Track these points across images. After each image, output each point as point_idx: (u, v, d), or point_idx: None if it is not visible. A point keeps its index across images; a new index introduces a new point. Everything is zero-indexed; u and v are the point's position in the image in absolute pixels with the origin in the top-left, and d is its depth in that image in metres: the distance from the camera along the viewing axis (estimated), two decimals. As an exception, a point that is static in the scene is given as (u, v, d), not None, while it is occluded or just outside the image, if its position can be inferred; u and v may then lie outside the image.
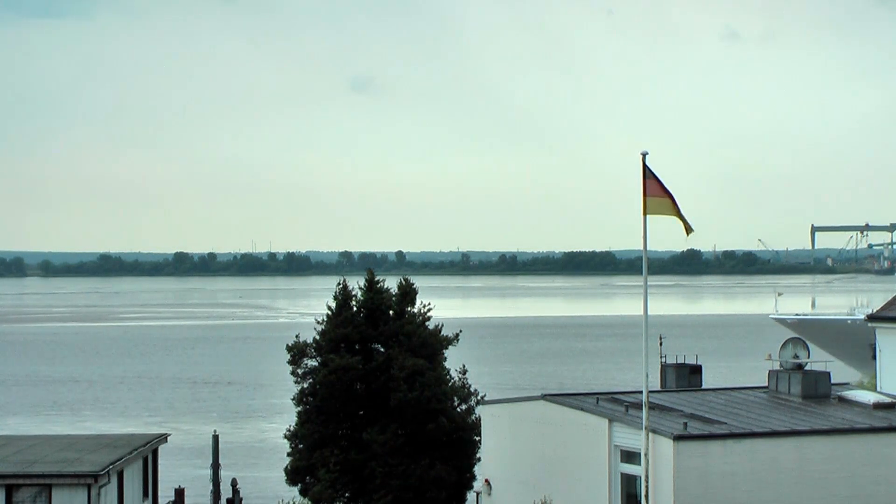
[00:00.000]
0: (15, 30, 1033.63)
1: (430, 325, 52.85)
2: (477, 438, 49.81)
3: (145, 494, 49.64)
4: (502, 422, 46.35)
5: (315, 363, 51.65)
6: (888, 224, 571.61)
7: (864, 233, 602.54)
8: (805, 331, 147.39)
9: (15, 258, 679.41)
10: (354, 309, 52.50)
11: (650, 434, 37.50)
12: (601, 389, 67.66)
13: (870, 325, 59.10)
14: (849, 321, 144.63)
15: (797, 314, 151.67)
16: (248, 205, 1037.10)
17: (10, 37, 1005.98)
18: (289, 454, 51.67)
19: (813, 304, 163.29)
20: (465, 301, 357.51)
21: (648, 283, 39.02)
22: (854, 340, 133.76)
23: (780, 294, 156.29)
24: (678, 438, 37.36)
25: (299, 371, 51.97)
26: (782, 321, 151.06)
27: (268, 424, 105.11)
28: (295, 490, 52.34)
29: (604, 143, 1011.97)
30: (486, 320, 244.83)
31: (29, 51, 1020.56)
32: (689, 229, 38.37)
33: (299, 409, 51.92)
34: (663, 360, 51.97)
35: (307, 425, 50.95)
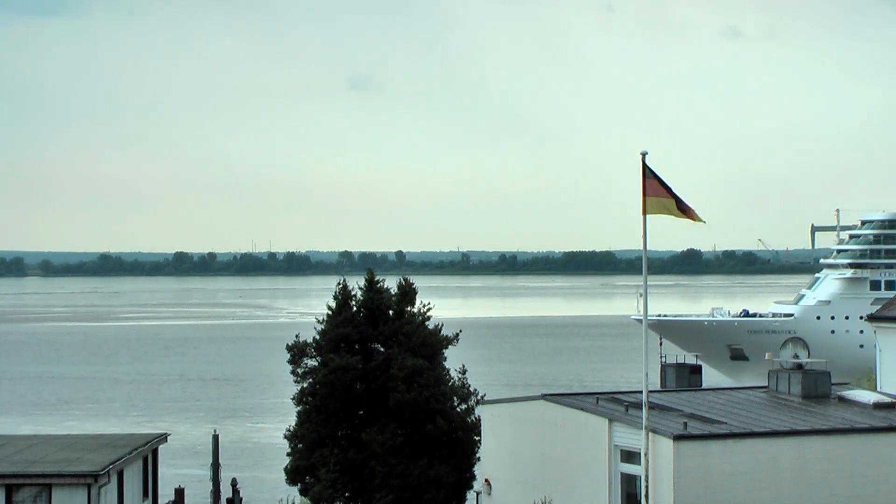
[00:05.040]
0: (11, 28, 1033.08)
1: (430, 324, 52.83)
2: (477, 438, 49.81)
3: (145, 494, 49.66)
4: (502, 422, 46.36)
5: (315, 363, 51.65)
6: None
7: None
8: (665, 331, 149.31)
9: (15, 258, 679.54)
10: (354, 309, 52.50)
11: (650, 434, 37.51)
12: (601, 389, 67.68)
13: (870, 325, 59.04)
14: (705, 323, 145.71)
15: (658, 315, 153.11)
16: (247, 205, 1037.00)
17: (5, 35, 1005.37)
18: (289, 454, 51.67)
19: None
20: (465, 301, 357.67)
21: (648, 283, 39.04)
22: (711, 341, 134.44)
23: (641, 294, 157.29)
24: (678, 438, 37.37)
25: (299, 371, 51.98)
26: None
27: (268, 424, 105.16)
28: (295, 490, 52.38)
29: (604, 142, 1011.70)
30: (486, 320, 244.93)
31: (25, 49, 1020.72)
32: (696, 218, 37.99)
33: (299, 408, 51.92)
34: (663, 360, 52.02)
35: (307, 425, 50.96)
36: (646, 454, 37.45)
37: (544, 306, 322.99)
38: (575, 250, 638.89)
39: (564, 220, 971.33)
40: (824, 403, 43.26)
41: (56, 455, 45.57)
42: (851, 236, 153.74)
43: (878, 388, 53.39)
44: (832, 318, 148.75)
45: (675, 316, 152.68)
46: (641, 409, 37.76)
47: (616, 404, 42.01)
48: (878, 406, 42.46)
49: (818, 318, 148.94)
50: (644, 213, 37.69)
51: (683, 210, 37.72)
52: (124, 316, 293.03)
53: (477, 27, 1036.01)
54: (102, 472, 42.76)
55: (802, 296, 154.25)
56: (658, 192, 37.52)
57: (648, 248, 38.30)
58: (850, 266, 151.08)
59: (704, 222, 38.38)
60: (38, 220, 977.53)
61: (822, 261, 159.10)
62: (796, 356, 45.49)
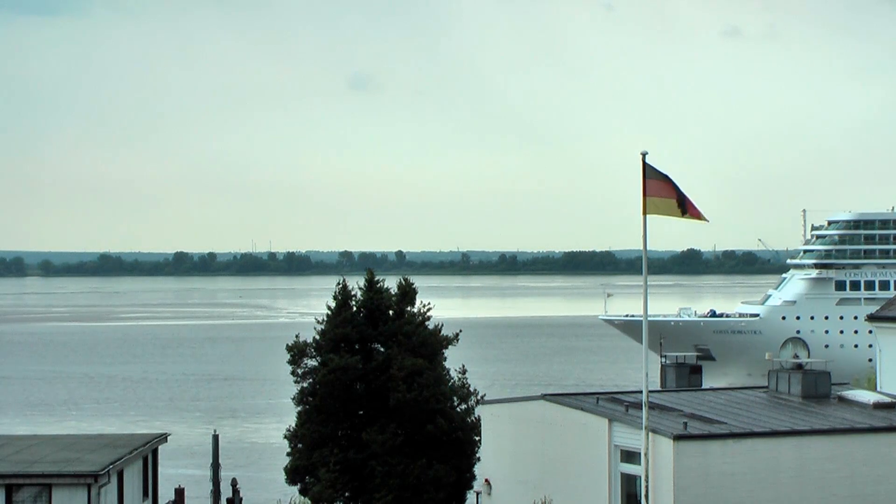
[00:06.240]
0: (11, 28, 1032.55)
1: (430, 324, 52.82)
2: (477, 438, 49.79)
3: (145, 494, 49.64)
4: (502, 422, 46.34)
5: (315, 363, 51.63)
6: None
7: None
8: (631, 331, 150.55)
9: (15, 258, 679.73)
10: (354, 309, 52.48)
11: (650, 434, 37.50)
12: (601, 389, 67.70)
13: (870, 324, 59.03)
14: (671, 323, 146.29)
15: (626, 315, 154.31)
16: (248, 205, 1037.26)
17: (6, 35, 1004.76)
18: (289, 454, 51.67)
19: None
20: (465, 301, 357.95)
21: (648, 283, 39.01)
22: (678, 341, 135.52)
23: (609, 295, 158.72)
24: (678, 438, 37.36)
25: (299, 371, 51.95)
26: (610, 321, 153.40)
27: (268, 424, 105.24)
28: (295, 490, 52.39)
29: (604, 142, 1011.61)
30: (486, 320, 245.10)
31: (25, 49, 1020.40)
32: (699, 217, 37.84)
33: (299, 408, 51.92)
34: (663, 360, 52.01)
35: (307, 425, 50.95)
36: (646, 454, 37.43)
37: (544, 306, 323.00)
38: (575, 250, 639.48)
39: (564, 220, 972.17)
40: (824, 403, 43.25)
41: (56, 455, 45.55)
42: (818, 237, 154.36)
43: (878, 388, 53.37)
44: (797, 318, 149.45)
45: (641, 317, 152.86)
46: (641, 409, 37.74)
47: (616, 404, 41.99)
48: (878, 406, 42.46)
49: (783, 318, 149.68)
50: (644, 213, 37.65)
51: (685, 209, 37.59)
52: (124, 316, 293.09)
53: (476, 27, 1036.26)
54: (102, 472, 42.74)
55: (769, 296, 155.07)
56: (659, 192, 37.46)
57: (648, 248, 38.26)
58: (816, 266, 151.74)
59: (707, 221, 38.24)
60: (38, 220, 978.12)
61: (788, 261, 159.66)
62: (796, 356, 45.48)
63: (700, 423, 39.18)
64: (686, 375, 49.40)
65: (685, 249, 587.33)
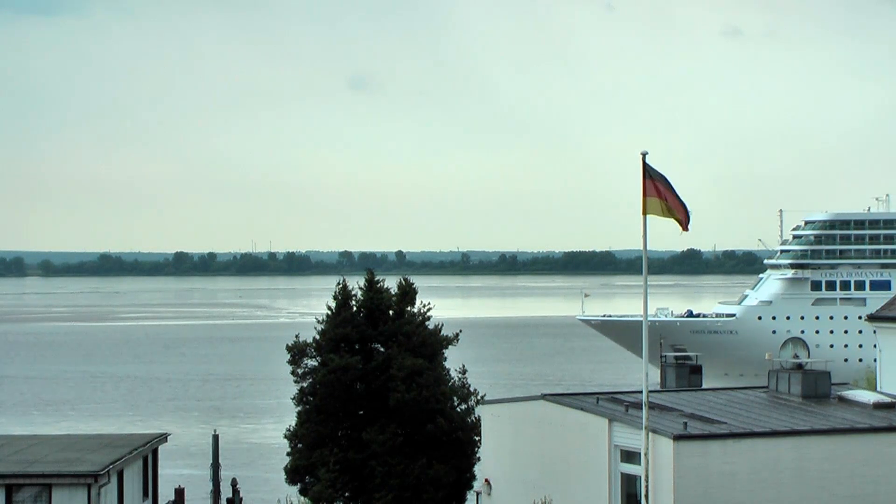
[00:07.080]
0: (11, 28, 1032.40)
1: (430, 324, 52.83)
2: (476, 438, 49.79)
3: (145, 494, 49.64)
4: (502, 422, 46.34)
5: (315, 363, 51.64)
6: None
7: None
8: (608, 331, 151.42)
9: (15, 258, 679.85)
10: (354, 309, 52.49)
11: (650, 434, 37.50)
12: (601, 389, 67.70)
13: (870, 324, 59.04)
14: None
15: (604, 315, 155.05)
16: (248, 205, 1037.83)
17: (5, 35, 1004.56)
18: (289, 454, 51.69)
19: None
20: (465, 301, 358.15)
21: (648, 283, 39.01)
22: (654, 341, 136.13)
23: (586, 295, 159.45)
24: (678, 438, 37.35)
25: (299, 371, 51.96)
26: (587, 322, 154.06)
27: (268, 424, 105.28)
28: (295, 490, 52.41)
29: (604, 142, 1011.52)
30: (486, 320, 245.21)
31: (25, 49, 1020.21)
32: (683, 225, 37.90)
33: (299, 408, 51.92)
34: (663, 359, 52.05)
35: (307, 425, 50.96)
36: (646, 454, 37.44)
37: (544, 306, 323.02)
38: (575, 250, 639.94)
39: (564, 220, 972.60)
40: (824, 403, 43.25)
41: (56, 455, 45.55)
42: (794, 237, 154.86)
43: (878, 388, 53.37)
44: (773, 318, 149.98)
45: (620, 316, 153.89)
46: (641, 409, 37.74)
47: (616, 404, 41.99)
48: (878, 406, 42.45)
49: (759, 318, 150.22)
50: (644, 213, 37.64)
51: (673, 211, 37.52)
52: (124, 316, 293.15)
53: (477, 27, 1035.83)
54: (102, 472, 42.74)
55: (746, 296, 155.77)
56: (659, 193, 37.44)
57: (648, 248, 38.26)
58: (792, 266, 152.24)
59: (687, 230, 38.20)
60: (38, 220, 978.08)
61: (765, 261, 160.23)
62: (796, 356, 45.48)
63: (700, 423, 39.17)
64: (686, 375, 49.40)
65: (685, 249, 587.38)
